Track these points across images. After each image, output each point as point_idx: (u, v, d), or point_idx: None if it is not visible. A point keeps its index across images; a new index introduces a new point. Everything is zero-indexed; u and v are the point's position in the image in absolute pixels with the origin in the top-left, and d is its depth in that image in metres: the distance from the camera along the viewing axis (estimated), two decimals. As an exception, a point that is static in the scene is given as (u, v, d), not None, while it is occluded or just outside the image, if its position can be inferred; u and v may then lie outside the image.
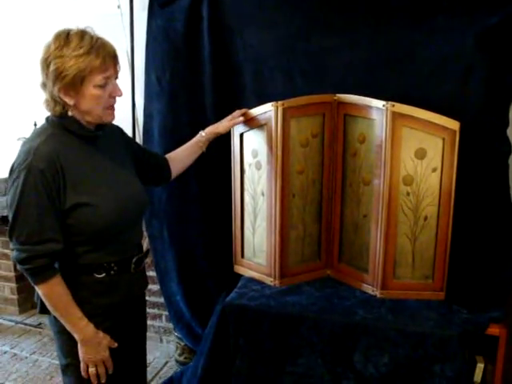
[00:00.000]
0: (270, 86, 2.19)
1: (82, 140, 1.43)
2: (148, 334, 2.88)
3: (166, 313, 2.78)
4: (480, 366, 1.83)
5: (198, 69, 2.29)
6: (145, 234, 2.63)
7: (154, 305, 2.88)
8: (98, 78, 1.35)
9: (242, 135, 2.07)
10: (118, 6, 2.63)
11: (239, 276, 2.18)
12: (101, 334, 1.47)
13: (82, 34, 1.36)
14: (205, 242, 2.43)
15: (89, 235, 1.41)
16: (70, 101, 1.36)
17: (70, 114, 1.39)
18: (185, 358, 2.64)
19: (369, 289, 1.93)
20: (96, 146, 1.47)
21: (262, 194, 2.03)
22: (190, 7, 2.24)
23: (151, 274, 2.78)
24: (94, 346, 1.45)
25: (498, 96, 1.86)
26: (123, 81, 2.63)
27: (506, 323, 1.77)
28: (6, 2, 2.92)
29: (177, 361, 2.69)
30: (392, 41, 1.96)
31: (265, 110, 1.93)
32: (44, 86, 1.39)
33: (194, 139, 1.93)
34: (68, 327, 1.44)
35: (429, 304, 1.84)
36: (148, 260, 2.74)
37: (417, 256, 1.88)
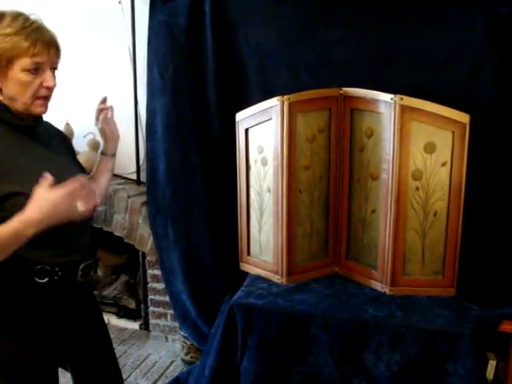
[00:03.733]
0: (274, 81, 2.16)
1: (16, 130, 1.30)
2: (153, 332, 2.91)
3: (172, 311, 2.75)
4: (492, 363, 1.80)
5: (201, 64, 2.26)
6: (149, 231, 2.62)
7: (159, 303, 2.85)
8: (26, 62, 1.24)
9: (247, 131, 2.04)
10: (119, 2, 2.59)
11: (245, 274, 2.15)
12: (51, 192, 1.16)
13: (17, 15, 1.26)
14: (210, 239, 2.40)
15: None
16: None
17: (1, 101, 1.28)
18: (191, 357, 2.61)
19: (378, 286, 1.90)
20: (33, 138, 1.35)
21: (269, 191, 2.00)
22: (192, 2, 2.20)
23: (156, 272, 2.76)
24: (56, 205, 1.16)
25: (508, 87, 1.83)
26: (125, 77, 2.65)
27: (518, 320, 1.75)
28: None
29: (183, 360, 2.66)
30: (400, 33, 1.93)
31: (270, 105, 1.89)
32: None
33: (97, 163, 1.63)
34: (19, 238, 1.17)
35: (439, 301, 1.81)
36: (153, 258, 2.72)
37: (426, 252, 1.85)
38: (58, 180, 1.27)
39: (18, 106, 1.29)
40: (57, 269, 1.30)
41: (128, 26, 2.59)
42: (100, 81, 2.74)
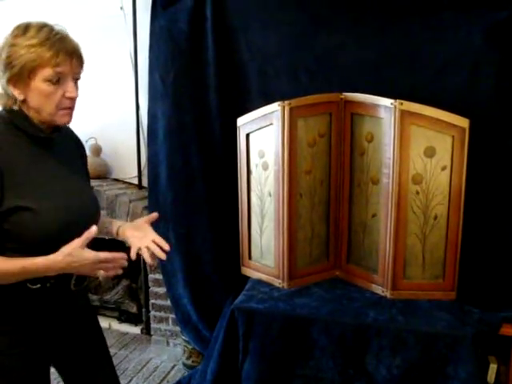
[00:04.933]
0: (275, 86, 2.18)
1: (34, 141, 1.31)
2: (155, 337, 2.91)
3: (173, 316, 2.75)
4: (493, 367, 1.81)
5: (202, 69, 2.27)
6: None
7: (161, 308, 2.85)
8: (48, 72, 1.24)
9: (248, 136, 2.05)
10: (121, 8, 2.61)
11: (246, 278, 2.15)
12: (67, 250, 1.20)
13: (42, 26, 1.27)
14: (211, 243, 2.41)
15: (27, 244, 1.24)
16: (19, 95, 1.26)
17: (22, 110, 1.28)
18: (192, 361, 2.61)
19: (379, 289, 1.91)
20: (50, 150, 1.35)
21: (269, 195, 2.00)
22: (193, 7, 2.22)
23: (157, 276, 2.76)
24: (75, 263, 1.21)
25: (507, 92, 1.84)
26: (127, 82, 2.66)
27: (518, 323, 1.75)
28: (8, 3, 2.91)
29: (184, 364, 2.67)
30: (399, 38, 1.95)
31: (271, 110, 1.90)
32: None
33: (109, 227, 1.59)
34: (35, 275, 1.23)
35: (440, 304, 1.81)
36: (154, 263, 2.72)
37: (427, 256, 1.86)
38: (69, 200, 1.32)
39: (44, 116, 1.29)
40: (49, 276, 1.30)
41: (129, 32, 2.61)
42: (102, 86, 2.75)
